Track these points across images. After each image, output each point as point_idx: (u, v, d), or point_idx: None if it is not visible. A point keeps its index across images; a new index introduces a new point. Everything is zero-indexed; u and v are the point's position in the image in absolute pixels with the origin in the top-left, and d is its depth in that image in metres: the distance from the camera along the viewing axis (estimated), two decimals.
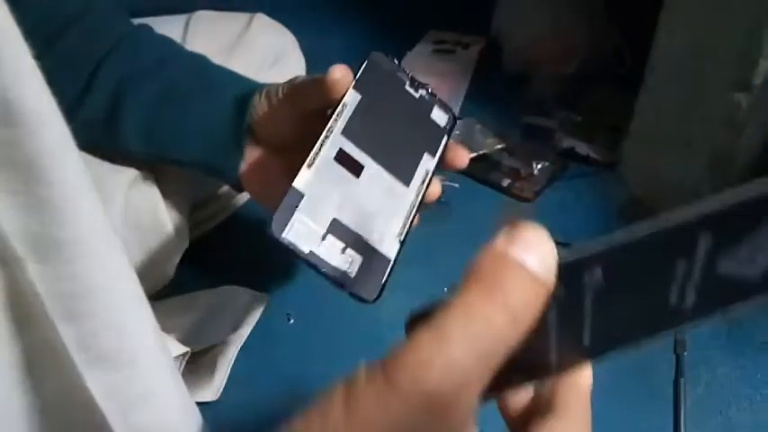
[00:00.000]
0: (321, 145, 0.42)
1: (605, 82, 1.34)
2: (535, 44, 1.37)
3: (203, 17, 0.89)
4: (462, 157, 0.46)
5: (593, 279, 0.27)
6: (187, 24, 0.86)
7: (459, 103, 1.33)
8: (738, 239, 0.28)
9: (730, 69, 0.87)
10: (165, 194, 0.62)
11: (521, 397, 0.33)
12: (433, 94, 0.46)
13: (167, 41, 0.63)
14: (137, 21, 0.82)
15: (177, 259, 0.65)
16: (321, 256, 0.48)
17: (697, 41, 0.90)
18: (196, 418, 0.37)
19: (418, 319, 0.27)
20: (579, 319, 0.29)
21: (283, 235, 0.41)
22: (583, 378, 0.32)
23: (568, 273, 0.28)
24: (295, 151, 0.41)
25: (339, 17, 1.56)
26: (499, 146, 1.25)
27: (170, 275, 0.67)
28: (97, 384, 0.27)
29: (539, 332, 0.28)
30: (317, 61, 0.44)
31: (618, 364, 0.88)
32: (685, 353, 0.86)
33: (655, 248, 0.27)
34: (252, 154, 0.55)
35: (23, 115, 0.23)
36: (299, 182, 0.40)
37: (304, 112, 0.48)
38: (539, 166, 1.20)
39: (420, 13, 1.56)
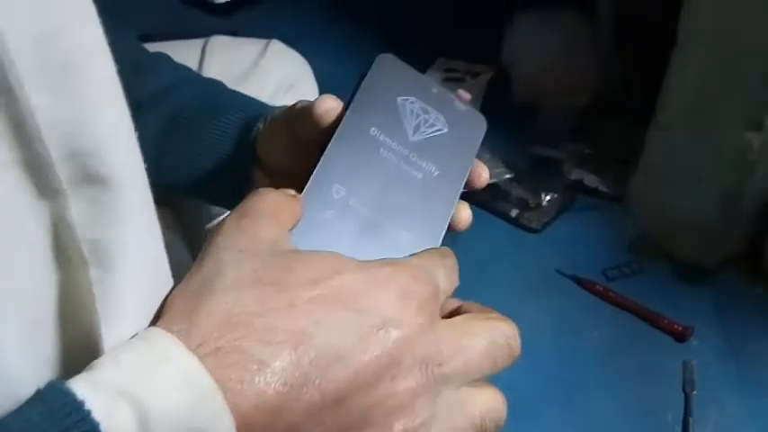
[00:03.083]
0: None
1: (614, 115, 1.35)
2: (545, 75, 1.38)
3: (219, 42, 0.89)
4: (482, 176, 0.41)
5: (340, 194, 0.34)
6: (203, 50, 0.86)
7: None
8: (395, 117, 0.36)
9: (743, 109, 0.88)
10: (182, 222, 0.61)
11: None
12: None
13: (179, 68, 0.62)
14: (154, 46, 0.82)
15: None
16: None
17: (709, 80, 0.90)
18: None
19: None
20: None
21: None
22: None
23: (315, 200, 0.33)
24: (298, 180, 0.40)
25: (351, 45, 1.58)
26: (508, 175, 1.26)
27: None
28: None
29: None
30: (329, 88, 0.44)
31: (626, 401, 0.88)
32: (694, 392, 0.85)
33: (348, 151, 0.35)
34: (262, 183, 0.53)
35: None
36: None
37: (302, 140, 0.46)
38: (547, 198, 1.20)
39: (430, 42, 1.58)
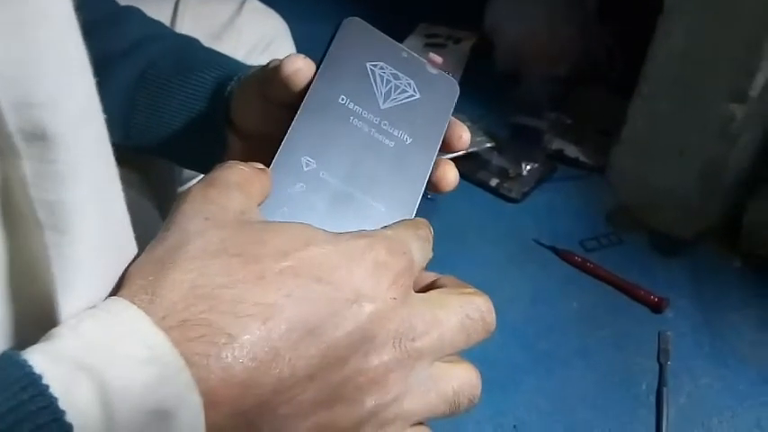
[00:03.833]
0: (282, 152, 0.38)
1: (596, 85, 1.34)
2: (527, 43, 1.36)
3: None
4: (462, 137, 0.40)
5: (310, 166, 0.33)
6: (176, 5, 0.83)
7: None
8: (365, 84, 0.35)
9: (727, 80, 0.87)
10: (152, 184, 0.59)
11: None
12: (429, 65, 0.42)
13: (151, 22, 0.59)
14: (124, 1, 0.79)
15: None
16: None
17: (694, 50, 0.89)
18: None
19: None
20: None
21: None
22: None
23: (284, 173, 0.32)
24: (272, 145, 0.38)
25: (332, 5, 1.54)
26: (488, 144, 1.24)
27: None
28: None
29: None
30: (307, 49, 0.41)
31: (602, 371, 0.88)
32: (669, 362, 0.86)
33: (317, 121, 0.34)
34: (235, 146, 0.51)
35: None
36: None
37: (274, 102, 0.43)
38: (528, 167, 1.19)
39: (412, 5, 1.54)
